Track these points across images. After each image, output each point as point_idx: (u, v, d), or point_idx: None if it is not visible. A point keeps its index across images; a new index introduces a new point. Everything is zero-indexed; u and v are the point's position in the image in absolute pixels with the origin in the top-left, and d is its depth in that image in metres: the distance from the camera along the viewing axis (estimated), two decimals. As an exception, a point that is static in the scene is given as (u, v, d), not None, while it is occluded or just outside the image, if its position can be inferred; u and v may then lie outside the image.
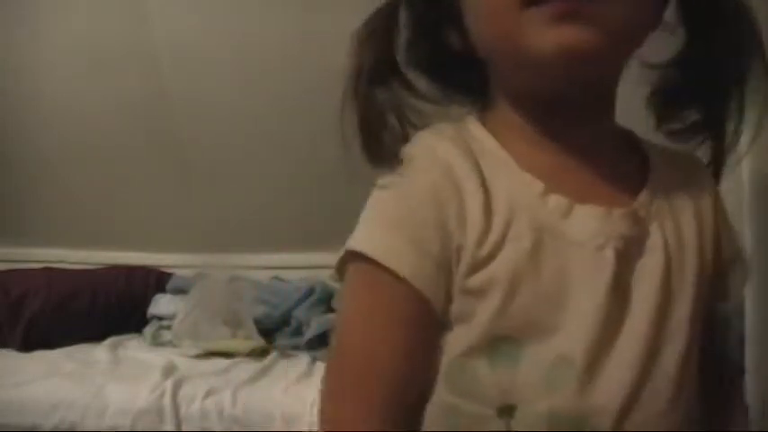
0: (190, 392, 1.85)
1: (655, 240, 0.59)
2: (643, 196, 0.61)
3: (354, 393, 0.58)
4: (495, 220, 0.56)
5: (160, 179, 2.59)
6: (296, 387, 1.85)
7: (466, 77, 0.65)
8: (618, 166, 0.62)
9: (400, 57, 0.63)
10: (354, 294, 0.59)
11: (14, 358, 2.15)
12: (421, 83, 0.64)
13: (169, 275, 2.55)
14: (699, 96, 0.64)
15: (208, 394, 1.84)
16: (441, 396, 0.58)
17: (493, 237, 0.56)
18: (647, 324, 0.57)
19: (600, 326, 0.56)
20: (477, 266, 0.56)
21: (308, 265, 2.48)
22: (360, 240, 0.57)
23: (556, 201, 0.58)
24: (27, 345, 2.23)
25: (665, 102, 0.65)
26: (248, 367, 2.00)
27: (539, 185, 0.58)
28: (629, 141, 0.66)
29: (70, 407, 1.83)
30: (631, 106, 0.65)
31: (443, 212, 0.56)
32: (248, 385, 1.87)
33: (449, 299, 0.56)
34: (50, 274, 2.47)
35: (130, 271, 2.54)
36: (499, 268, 0.56)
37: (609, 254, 0.57)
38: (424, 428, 0.59)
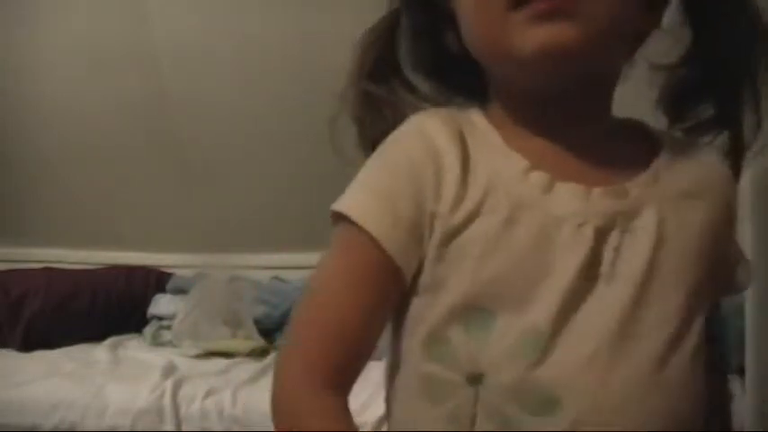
0: (190, 392, 1.85)
1: (646, 220, 0.59)
2: (641, 178, 0.61)
3: (307, 344, 0.61)
4: (470, 191, 0.58)
5: (160, 179, 2.59)
6: (296, 387, 1.85)
7: (464, 78, 0.66)
8: (614, 152, 0.62)
9: (402, 60, 0.66)
10: (331, 252, 0.63)
11: (14, 358, 2.15)
12: (421, 84, 0.67)
13: (169, 275, 2.55)
14: (710, 94, 0.64)
15: (208, 394, 1.84)
16: (417, 365, 0.59)
17: (467, 206, 0.58)
18: (625, 301, 0.57)
19: (568, 299, 0.56)
20: (450, 235, 0.58)
21: (308, 265, 2.46)
22: (342, 202, 0.60)
23: (537, 177, 0.59)
24: (27, 345, 2.23)
25: (675, 102, 0.66)
26: (248, 367, 2.00)
27: (523, 162, 0.59)
28: (639, 132, 0.66)
29: (70, 407, 1.84)
30: (641, 109, 0.66)
31: (419, 182, 0.58)
32: (248, 385, 1.88)
33: (419, 267, 0.59)
34: (50, 274, 2.47)
35: (130, 271, 2.55)
36: (472, 236, 0.57)
37: (587, 231, 0.58)
38: (399, 398, 0.62)
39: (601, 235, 0.58)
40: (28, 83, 2.50)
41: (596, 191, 0.59)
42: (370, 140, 0.64)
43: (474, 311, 0.57)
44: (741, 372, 1.51)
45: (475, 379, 0.56)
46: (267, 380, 2.09)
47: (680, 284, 0.59)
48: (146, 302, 2.44)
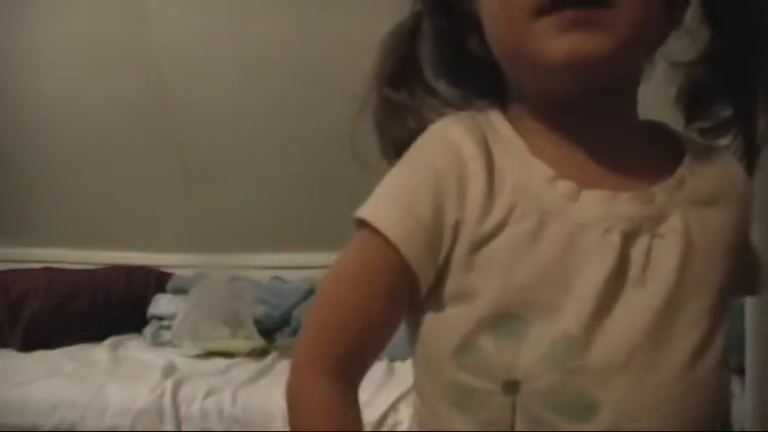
0: (190, 392, 1.85)
1: (673, 224, 0.59)
2: (668, 182, 0.61)
3: (310, 335, 0.63)
4: (498, 201, 0.58)
5: (160, 179, 2.59)
6: (296, 387, 1.85)
7: (486, 81, 0.66)
8: (639, 156, 0.62)
9: (424, 63, 0.67)
10: (345, 252, 0.63)
11: (14, 358, 2.15)
12: (443, 87, 0.67)
13: (169, 275, 2.55)
14: (728, 92, 0.65)
15: (208, 394, 1.84)
16: (450, 374, 0.60)
17: (495, 215, 0.58)
18: (656, 305, 0.58)
19: (599, 303, 0.57)
20: (478, 244, 0.58)
21: (308, 265, 2.48)
22: (364, 209, 0.61)
23: (563, 186, 0.59)
24: (27, 345, 2.23)
25: (693, 99, 0.66)
26: (248, 367, 2.00)
27: (548, 171, 0.60)
28: (662, 135, 0.66)
29: (70, 407, 1.84)
30: (660, 106, 0.66)
31: (441, 190, 0.59)
32: (248, 385, 1.88)
33: (440, 276, 0.60)
34: (50, 274, 2.47)
35: (130, 271, 2.55)
36: (501, 245, 0.58)
37: (615, 236, 0.58)
38: (434, 407, 0.62)
39: (628, 239, 0.58)
40: (28, 83, 2.50)
41: (623, 196, 0.59)
42: (391, 146, 0.65)
43: (505, 319, 0.57)
44: (741, 372, 1.51)
45: (511, 386, 0.57)
46: (267, 380, 2.10)
47: (708, 288, 0.60)
48: (146, 302, 2.44)
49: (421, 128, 0.63)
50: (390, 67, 0.65)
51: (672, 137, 0.66)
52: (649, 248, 0.58)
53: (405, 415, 1.74)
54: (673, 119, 0.67)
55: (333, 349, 0.61)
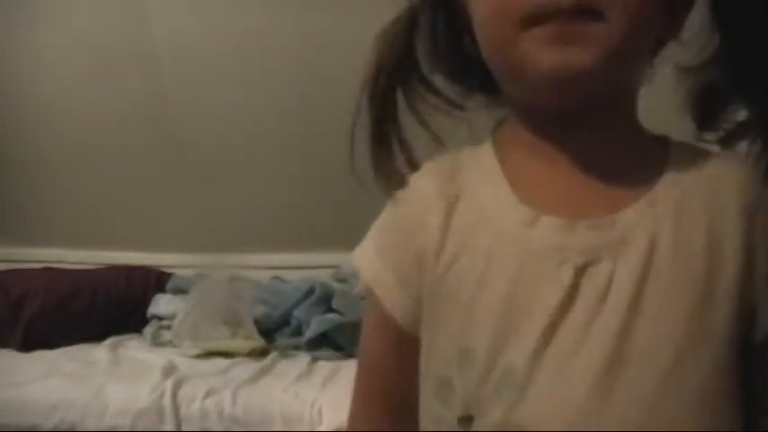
0: (190, 392, 1.85)
1: (635, 250, 0.56)
2: (639, 203, 0.58)
3: (357, 388, 0.69)
4: (450, 235, 0.60)
5: (160, 179, 2.59)
6: (296, 387, 1.85)
7: (482, 77, 0.65)
8: (618, 173, 0.59)
9: (420, 58, 0.66)
10: (365, 306, 0.68)
11: (14, 358, 2.15)
12: (440, 83, 0.66)
13: (169, 275, 2.55)
14: (740, 94, 0.61)
15: (208, 394, 1.84)
16: (425, 403, 0.62)
17: (449, 249, 0.60)
18: (607, 338, 0.54)
19: (545, 337, 0.55)
20: (438, 278, 0.60)
21: (308, 265, 2.48)
22: (359, 255, 0.66)
23: (522, 211, 0.59)
24: (27, 345, 2.23)
25: (704, 104, 0.63)
26: (248, 367, 2.00)
27: (511, 197, 0.60)
28: (655, 147, 0.62)
29: (70, 407, 1.83)
30: (667, 112, 0.63)
31: (414, 243, 0.62)
32: (248, 385, 1.87)
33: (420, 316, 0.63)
34: (50, 274, 2.47)
35: (130, 271, 2.54)
36: (454, 279, 0.60)
37: (567, 270, 0.56)
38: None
39: (582, 272, 0.56)
40: (28, 83, 2.50)
41: (581, 224, 0.57)
42: (383, 172, 0.65)
43: (464, 352, 0.58)
44: None
45: (464, 421, 0.57)
46: (267, 380, 2.10)
47: (674, 311, 0.55)
48: (146, 302, 2.44)
49: (422, 124, 0.64)
50: (387, 60, 0.64)
51: (664, 149, 0.61)
52: (611, 276, 0.56)
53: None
54: (679, 125, 0.64)
55: (376, 396, 0.68)
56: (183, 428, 1.80)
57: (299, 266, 2.50)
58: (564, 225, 0.57)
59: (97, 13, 2.35)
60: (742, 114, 0.62)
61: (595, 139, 0.59)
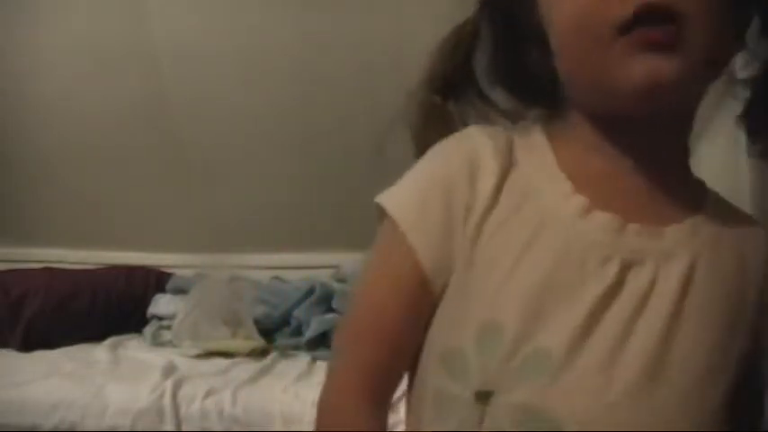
0: (190, 392, 1.85)
1: (679, 264, 0.58)
2: (681, 226, 0.60)
3: (352, 342, 0.65)
4: (504, 199, 0.59)
5: (160, 179, 2.59)
6: (296, 387, 1.85)
7: (541, 91, 0.65)
8: (665, 191, 0.61)
9: (479, 70, 0.67)
10: (376, 250, 0.64)
11: (14, 358, 2.15)
12: (496, 96, 0.67)
13: (169, 275, 2.55)
14: None
15: (208, 394, 1.84)
16: (431, 377, 0.60)
17: (500, 211, 0.59)
18: (648, 340, 0.55)
19: (584, 329, 0.55)
20: (476, 243, 0.59)
21: (308, 265, 2.48)
22: (388, 194, 0.63)
23: (577, 200, 0.59)
24: (27, 345, 2.23)
25: (757, 117, 0.64)
26: (248, 367, 2.00)
27: (567, 185, 0.60)
28: (696, 182, 0.65)
29: (70, 407, 1.83)
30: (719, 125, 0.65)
31: (453, 185, 0.60)
32: (248, 385, 1.87)
33: (449, 274, 0.60)
34: (50, 274, 2.47)
35: (130, 271, 2.54)
36: (498, 245, 0.58)
37: (612, 265, 0.57)
38: (413, 409, 0.63)
39: (627, 269, 0.57)
40: (28, 83, 2.50)
41: (632, 226, 0.58)
42: (423, 148, 0.65)
43: (491, 326, 0.57)
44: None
45: (483, 396, 0.56)
46: (267, 380, 2.10)
47: (707, 329, 0.57)
48: (146, 302, 2.44)
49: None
50: (444, 72, 0.66)
51: (701, 189, 0.64)
52: (653, 281, 0.57)
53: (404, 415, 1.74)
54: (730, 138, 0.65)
55: (373, 371, 0.62)
56: (183, 428, 1.80)
57: (299, 266, 2.50)
58: (616, 223, 0.58)
59: (97, 13, 2.35)
60: None
61: (656, 149, 0.60)
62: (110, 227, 2.69)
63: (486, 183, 0.60)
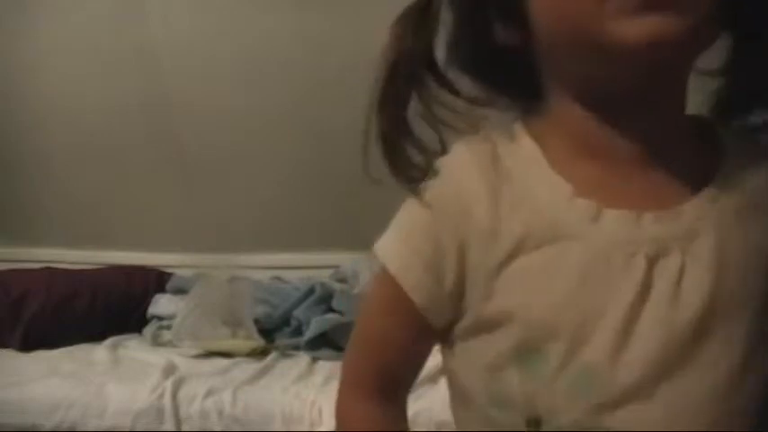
0: (190, 392, 1.85)
1: (704, 244, 0.54)
2: (700, 196, 0.55)
3: (349, 370, 0.69)
4: (506, 226, 0.56)
5: (160, 179, 2.59)
6: (296, 387, 1.85)
7: (513, 76, 0.60)
8: (673, 163, 0.56)
9: (439, 54, 0.60)
10: (374, 281, 0.65)
11: (14, 358, 2.15)
12: (462, 83, 0.61)
13: (169, 275, 2.55)
14: (762, 101, 0.59)
15: (208, 394, 1.84)
16: (479, 406, 0.59)
17: (506, 243, 0.55)
18: (685, 330, 0.53)
19: (624, 334, 0.53)
20: (492, 272, 0.56)
21: (307, 265, 2.48)
22: (381, 245, 0.62)
23: (583, 205, 0.55)
24: (27, 345, 2.23)
25: (727, 109, 0.60)
26: (248, 367, 2.00)
27: (567, 189, 0.56)
28: (703, 134, 0.59)
29: (70, 407, 1.83)
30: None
31: (441, 221, 0.57)
32: (248, 385, 1.87)
33: (459, 305, 0.58)
34: (50, 274, 2.46)
35: (130, 271, 2.54)
36: (515, 276, 0.55)
37: (639, 261, 0.54)
38: (455, 413, 0.64)
39: (654, 263, 0.54)
40: (28, 83, 2.50)
41: (647, 216, 0.55)
42: (399, 156, 0.59)
43: (527, 352, 0.55)
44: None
45: (534, 423, 0.55)
46: (267, 380, 2.10)
47: (746, 310, 0.54)
48: (146, 302, 2.44)
49: (433, 128, 0.59)
50: (400, 58, 0.58)
51: (715, 137, 0.59)
52: (682, 269, 0.54)
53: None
54: None
55: (369, 374, 0.66)
56: (183, 428, 1.80)
57: (299, 266, 2.50)
58: (630, 217, 0.55)
59: (97, 13, 2.35)
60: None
61: (653, 126, 0.56)
62: (110, 227, 2.69)
63: (481, 211, 0.56)
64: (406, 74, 0.58)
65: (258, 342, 2.17)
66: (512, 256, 0.55)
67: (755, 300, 0.55)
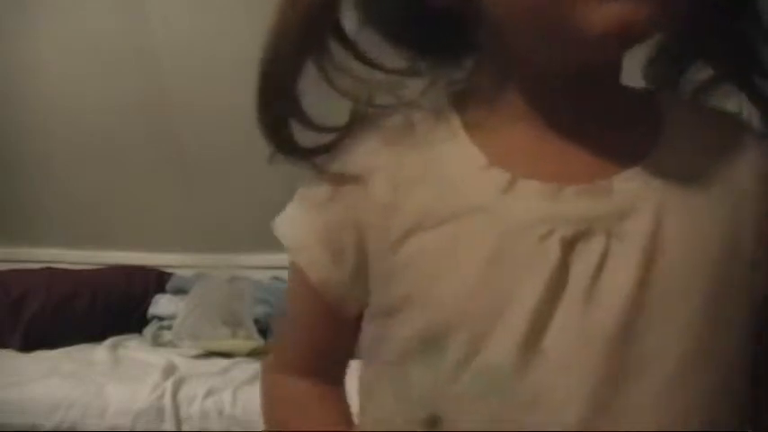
0: (190, 392, 1.85)
1: (638, 224, 0.47)
2: (637, 168, 0.48)
3: (275, 350, 0.66)
4: (408, 201, 0.49)
5: (160, 179, 2.59)
6: (296, 387, 1.85)
7: (438, 39, 0.52)
8: (613, 137, 0.49)
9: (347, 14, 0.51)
10: (290, 278, 0.61)
11: (14, 358, 2.15)
12: (371, 47, 0.52)
13: (169, 275, 2.55)
14: (704, 53, 0.53)
15: (208, 394, 1.84)
16: (379, 397, 0.54)
17: (405, 218, 0.49)
18: (609, 329, 0.45)
19: (533, 331, 0.46)
20: (390, 250, 0.50)
21: (307, 265, 2.47)
22: (280, 222, 0.61)
23: (496, 174, 0.48)
24: (27, 345, 2.23)
25: (661, 64, 0.54)
26: (248, 367, 2.00)
27: (480, 158, 0.49)
28: (645, 104, 0.53)
29: (70, 407, 1.83)
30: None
31: (353, 210, 0.51)
32: (248, 385, 1.87)
33: (361, 295, 0.53)
34: (50, 274, 2.47)
35: (130, 271, 2.54)
36: (414, 256, 0.49)
37: (552, 243, 0.46)
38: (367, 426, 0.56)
39: (570, 247, 0.46)
40: (28, 83, 2.50)
41: (569, 190, 0.47)
42: (279, 135, 0.54)
43: (430, 344, 0.48)
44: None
45: (431, 422, 0.49)
46: (267, 380, 2.05)
47: (689, 300, 0.47)
48: (146, 302, 2.44)
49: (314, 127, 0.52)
50: (296, 17, 0.48)
51: (655, 107, 0.52)
52: (604, 254, 0.46)
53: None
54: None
55: (294, 353, 0.60)
56: (183, 428, 1.80)
57: (299, 266, 2.50)
58: (548, 190, 0.47)
59: (97, 13, 2.35)
60: (706, 72, 0.53)
61: (589, 97, 0.50)
62: (110, 227, 2.69)
63: (380, 189, 0.50)
64: (301, 37, 0.49)
65: (258, 342, 2.17)
66: (410, 232, 0.49)
67: (707, 283, 0.47)
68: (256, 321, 2.23)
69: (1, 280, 2.41)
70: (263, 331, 2.22)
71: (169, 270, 2.59)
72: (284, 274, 2.64)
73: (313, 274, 0.54)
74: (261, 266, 2.54)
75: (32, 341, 2.24)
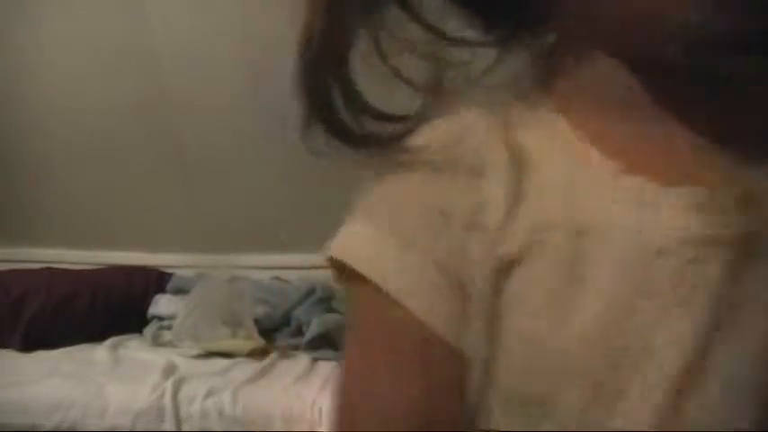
0: (190, 392, 1.85)
1: None
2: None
3: None
4: (523, 209, 0.37)
5: (160, 179, 2.59)
6: (296, 387, 1.85)
7: (507, 10, 0.40)
8: (747, 134, 0.36)
9: None
10: (355, 322, 0.41)
11: (14, 358, 2.15)
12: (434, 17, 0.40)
13: (169, 275, 2.55)
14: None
15: (208, 394, 1.84)
16: None
17: (518, 233, 0.36)
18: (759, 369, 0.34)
19: (683, 384, 0.34)
20: (498, 271, 0.37)
21: (307, 265, 2.48)
22: (342, 246, 0.41)
23: (632, 184, 0.36)
24: (27, 345, 2.23)
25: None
26: (248, 367, 2.00)
27: (610, 165, 0.36)
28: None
29: (70, 407, 1.84)
30: None
31: (462, 215, 0.37)
32: (248, 385, 1.88)
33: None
34: (50, 274, 2.47)
35: (130, 271, 2.54)
36: (524, 283, 0.36)
37: (712, 270, 0.34)
38: None
39: (732, 275, 0.34)
40: (28, 83, 2.50)
41: (723, 194, 0.35)
42: (331, 121, 0.42)
43: (528, 405, 0.36)
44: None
45: None
46: (267, 380, 2.10)
47: None
48: (146, 302, 2.44)
49: (394, 74, 0.38)
50: None
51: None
52: (752, 283, 0.34)
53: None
54: None
55: None
56: (183, 428, 1.80)
57: (298, 266, 2.50)
58: (699, 196, 0.35)
59: (97, 13, 2.35)
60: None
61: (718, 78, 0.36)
62: (110, 227, 2.69)
63: (495, 189, 0.37)
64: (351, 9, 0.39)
65: (258, 342, 2.17)
66: (522, 254, 0.36)
67: None
68: (256, 321, 2.23)
69: (1, 280, 2.41)
70: (263, 331, 2.22)
71: (169, 270, 2.59)
72: (284, 274, 2.65)
73: (422, 311, 0.37)
74: (261, 266, 2.54)
75: (33, 341, 2.24)
